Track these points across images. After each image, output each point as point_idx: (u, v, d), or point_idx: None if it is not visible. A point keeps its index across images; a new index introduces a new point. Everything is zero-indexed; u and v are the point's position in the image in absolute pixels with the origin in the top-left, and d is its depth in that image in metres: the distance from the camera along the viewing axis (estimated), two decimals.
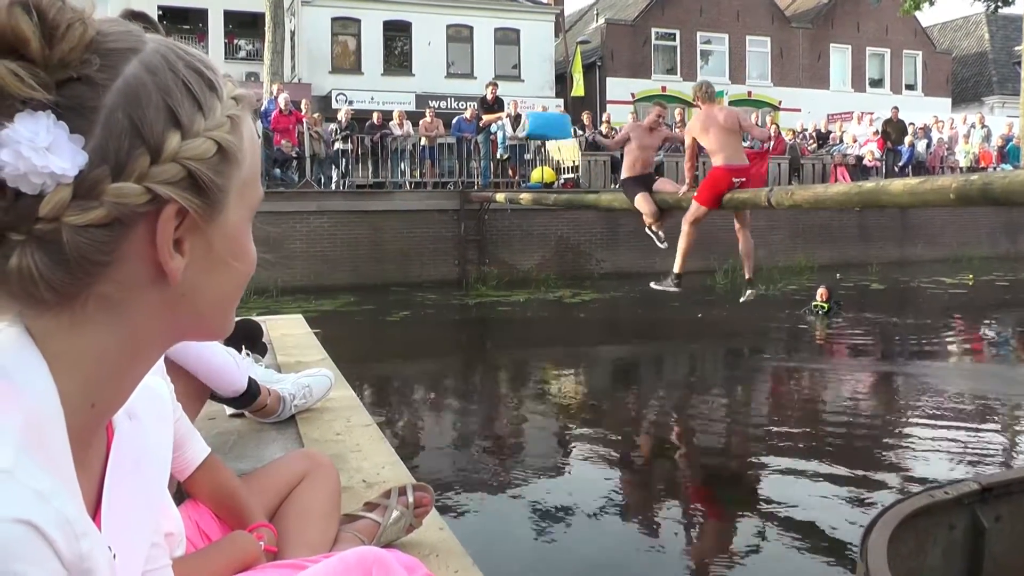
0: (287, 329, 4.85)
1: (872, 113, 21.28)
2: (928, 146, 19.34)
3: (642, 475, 5.53)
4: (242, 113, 0.59)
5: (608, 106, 23.97)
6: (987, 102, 30.95)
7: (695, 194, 6.66)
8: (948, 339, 10.72)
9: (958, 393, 7.46)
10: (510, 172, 16.35)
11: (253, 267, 0.63)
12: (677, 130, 13.24)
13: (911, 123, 19.63)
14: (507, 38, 26.70)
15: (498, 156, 16.20)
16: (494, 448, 6.04)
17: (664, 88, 25.96)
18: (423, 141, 15.77)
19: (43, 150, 0.49)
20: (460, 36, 26.27)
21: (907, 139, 18.98)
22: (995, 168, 18.01)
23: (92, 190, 0.51)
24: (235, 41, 26.90)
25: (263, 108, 14.91)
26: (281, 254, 13.73)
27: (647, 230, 7.70)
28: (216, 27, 26.20)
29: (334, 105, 20.98)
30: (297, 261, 13.95)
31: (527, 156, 16.61)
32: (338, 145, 15.28)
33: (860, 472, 5.16)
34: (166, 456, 0.74)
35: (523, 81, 26.03)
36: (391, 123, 15.81)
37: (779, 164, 17.56)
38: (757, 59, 28.72)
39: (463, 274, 15.00)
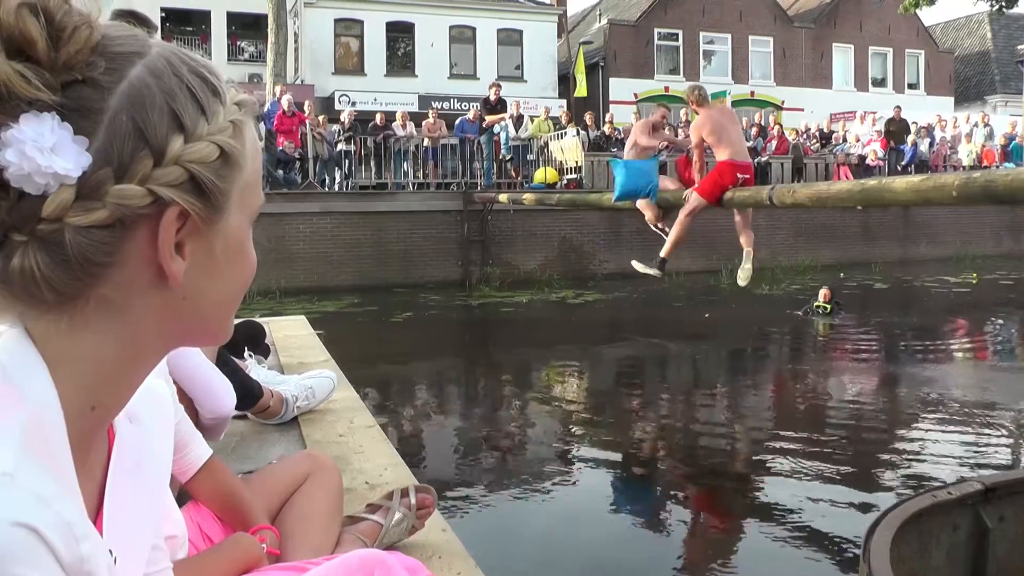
0: (290, 330, 4.85)
1: (875, 112, 21.26)
2: (931, 145, 19.31)
3: (645, 476, 5.53)
4: (245, 118, 0.59)
5: (611, 106, 23.96)
6: (990, 101, 30.89)
7: (698, 186, 6.63)
8: (952, 338, 10.70)
9: (962, 393, 7.44)
10: (513, 173, 16.36)
11: (253, 271, 0.63)
12: (681, 131, 13.23)
13: (914, 122, 19.61)
14: (510, 39, 26.70)
15: (501, 157, 16.20)
16: (497, 449, 6.04)
17: (667, 88, 25.92)
18: (426, 142, 15.78)
19: (47, 150, 0.49)
20: (463, 37, 26.27)
21: (910, 138, 18.96)
22: (998, 167, 17.97)
23: (95, 191, 0.51)
24: (238, 43, 26.94)
25: (266, 110, 14.94)
26: (284, 255, 13.76)
27: (653, 227, 7.69)
28: (219, 29, 26.24)
29: (337, 106, 20.98)
30: (300, 262, 13.97)
31: (530, 156, 16.62)
32: (341, 146, 15.29)
33: (863, 472, 5.16)
34: (167, 458, 0.74)
35: (526, 82, 26.03)
36: (394, 124, 15.82)
37: (782, 164, 17.56)
38: (760, 59, 28.68)
39: (466, 275, 15.00)
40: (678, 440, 6.45)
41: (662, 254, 7.18)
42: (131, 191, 0.51)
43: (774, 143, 18.09)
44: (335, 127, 15.61)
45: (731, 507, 4.80)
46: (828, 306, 10.96)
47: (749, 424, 6.81)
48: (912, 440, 5.97)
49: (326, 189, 14.97)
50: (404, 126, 15.83)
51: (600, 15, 30.50)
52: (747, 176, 6.49)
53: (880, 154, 18.51)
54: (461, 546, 1.77)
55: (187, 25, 26.46)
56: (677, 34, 27.66)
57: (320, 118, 15.45)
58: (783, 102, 28.05)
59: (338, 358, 3.97)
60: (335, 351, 4.17)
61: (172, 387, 1.13)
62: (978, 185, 4.20)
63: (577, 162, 15.98)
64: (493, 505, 4.75)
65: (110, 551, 0.58)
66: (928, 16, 26.70)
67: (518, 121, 16.41)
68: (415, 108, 21.08)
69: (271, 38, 17.11)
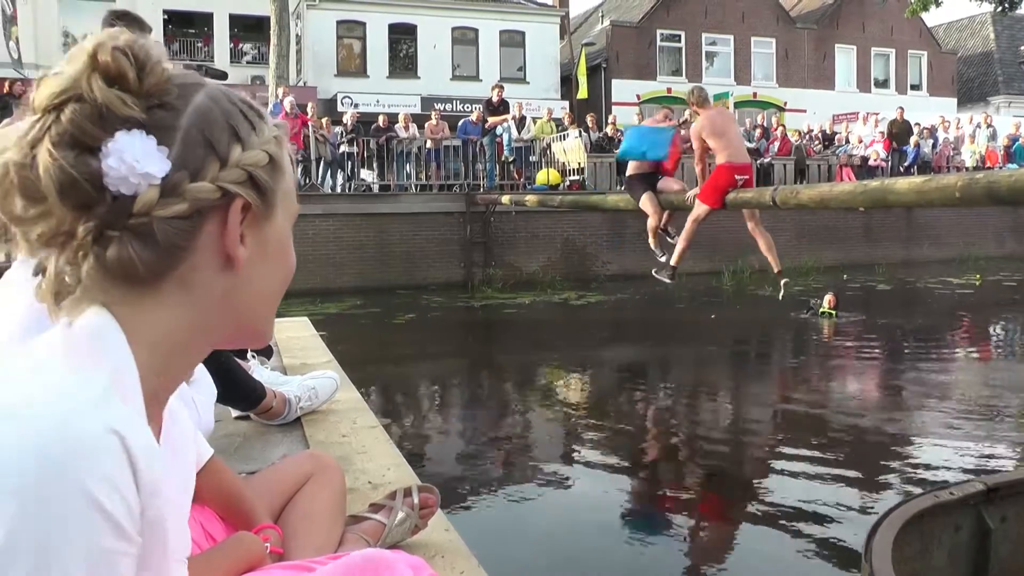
0: (293, 332, 4.86)
1: (877, 114, 21.25)
2: (934, 146, 19.29)
3: (648, 476, 5.53)
4: (283, 135, 0.73)
5: (613, 108, 23.96)
6: (993, 102, 30.85)
7: (699, 193, 6.67)
8: (955, 340, 10.69)
9: (964, 393, 7.44)
10: (515, 174, 16.37)
11: (293, 270, 0.75)
12: (682, 131, 13.22)
13: (916, 123, 19.59)
14: (512, 40, 26.71)
15: (503, 158, 16.21)
16: (500, 450, 6.04)
17: (669, 90, 25.91)
18: (428, 144, 15.79)
19: (139, 158, 0.62)
20: (465, 38, 26.30)
21: (912, 139, 18.94)
22: (1001, 168, 17.95)
23: (175, 189, 0.63)
24: (240, 45, 26.97)
25: (268, 111, 14.92)
26: None
27: (651, 244, 7.76)
28: (221, 31, 26.28)
29: (339, 108, 21.01)
30: (302, 264, 13.66)
31: (532, 158, 16.62)
32: (343, 148, 15.31)
33: (865, 473, 5.15)
34: (193, 445, 0.86)
35: (528, 83, 26.04)
36: (396, 126, 15.83)
37: (784, 165, 17.55)
38: (762, 60, 28.68)
39: (469, 276, 15.01)
40: (681, 441, 6.45)
41: (672, 262, 7.21)
42: (204, 187, 0.65)
43: (776, 144, 18.08)
44: (337, 129, 15.63)
45: (733, 508, 4.80)
46: (833, 312, 10.97)
47: (752, 425, 6.80)
48: (914, 441, 5.97)
49: (328, 191, 14.99)
50: (407, 128, 15.84)
51: (602, 16, 30.52)
52: (746, 177, 6.52)
53: (883, 155, 18.50)
54: (464, 545, 1.77)
55: (189, 27, 26.50)
56: (679, 35, 27.65)
57: (323, 120, 15.47)
58: (785, 103, 28.04)
59: (341, 359, 3.97)
60: (338, 352, 4.17)
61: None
62: (981, 186, 4.20)
63: (580, 163, 15.99)
64: (496, 505, 4.75)
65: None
66: (931, 17, 26.64)
67: (520, 122, 16.41)
68: (417, 110, 21.10)
69: (273, 40, 17.13)
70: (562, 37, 27.12)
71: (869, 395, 7.67)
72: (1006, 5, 19.80)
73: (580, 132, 16.35)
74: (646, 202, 7.33)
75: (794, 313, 11.50)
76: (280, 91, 15.38)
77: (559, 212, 14.69)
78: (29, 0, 21.42)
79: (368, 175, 15.86)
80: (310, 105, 15.57)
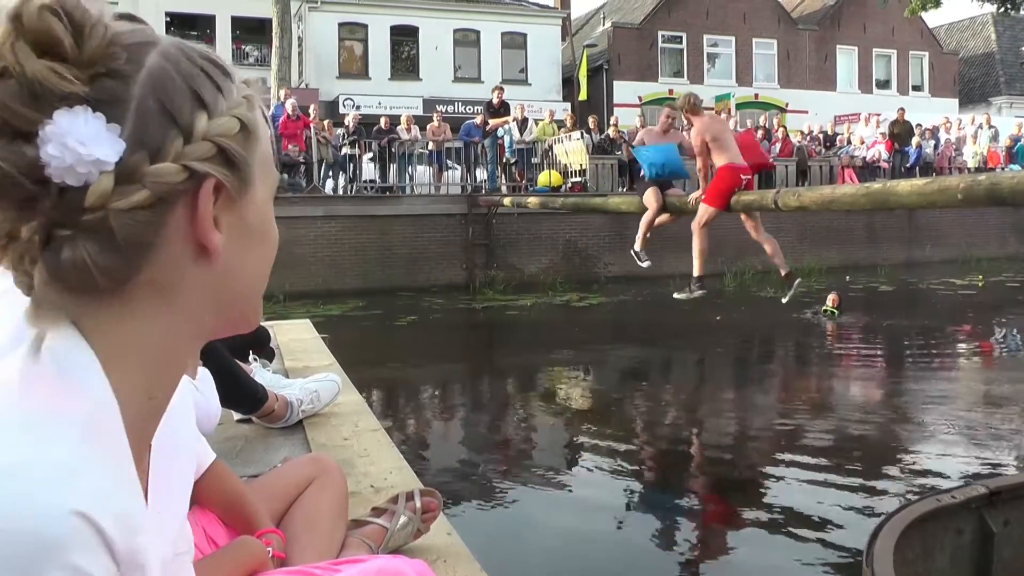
0: (295, 334, 4.86)
1: (879, 114, 21.24)
2: (936, 147, 19.27)
3: (650, 480, 5.53)
4: (254, 93, 0.62)
5: (615, 109, 23.96)
6: (994, 103, 30.83)
7: (704, 197, 6.68)
8: (958, 341, 10.68)
9: (967, 396, 7.43)
10: (517, 176, 16.37)
11: (277, 246, 0.66)
12: (685, 134, 13.21)
13: (918, 124, 19.57)
14: (514, 42, 26.73)
15: (505, 160, 16.22)
16: (502, 453, 6.04)
17: (671, 91, 25.88)
18: (430, 145, 15.79)
19: (85, 141, 0.51)
20: (467, 40, 26.31)
21: (914, 140, 18.93)
22: (1003, 169, 17.94)
23: (133, 174, 0.53)
24: (242, 47, 27.01)
25: (271, 113, 14.96)
26: (288, 259, 13.78)
27: (632, 251, 7.79)
28: (223, 33, 26.31)
29: (341, 110, 21.03)
30: (304, 266, 13.98)
31: (534, 160, 16.62)
32: (345, 150, 15.31)
33: (867, 476, 5.15)
34: (193, 441, 0.77)
35: (530, 85, 26.06)
36: (398, 127, 15.84)
37: (786, 166, 17.52)
38: (764, 61, 28.68)
39: (470, 278, 15.01)
40: (683, 445, 6.45)
41: (695, 274, 7.19)
42: (167, 169, 0.54)
43: (778, 146, 18.07)
44: (339, 131, 15.64)
45: (735, 511, 4.80)
46: (836, 311, 10.98)
47: (754, 428, 6.80)
48: (917, 444, 5.96)
49: (330, 193, 15.00)
50: (408, 130, 15.85)
51: (604, 18, 30.53)
52: (747, 178, 6.56)
53: (885, 156, 18.48)
54: (466, 550, 1.77)
55: (191, 29, 26.52)
56: (681, 37, 27.66)
57: (325, 122, 15.47)
58: (787, 104, 28.03)
59: (343, 362, 3.97)
60: (340, 355, 4.17)
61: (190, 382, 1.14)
62: (983, 188, 4.20)
63: (581, 165, 15.98)
64: (498, 509, 4.75)
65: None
66: (932, 18, 26.68)
67: (522, 124, 16.41)
68: (419, 112, 21.12)
69: (275, 42, 17.15)
70: (564, 39, 27.14)
71: (871, 398, 7.66)
72: (1008, 6, 19.80)
73: (582, 134, 16.35)
74: (649, 195, 7.35)
75: (795, 314, 11.49)
76: (282, 93, 15.39)
77: (561, 214, 14.69)
78: None
79: (369, 168, 15.78)
80: (312, 107, 15.58)
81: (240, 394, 2.59)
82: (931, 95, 30.14)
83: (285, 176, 14.55)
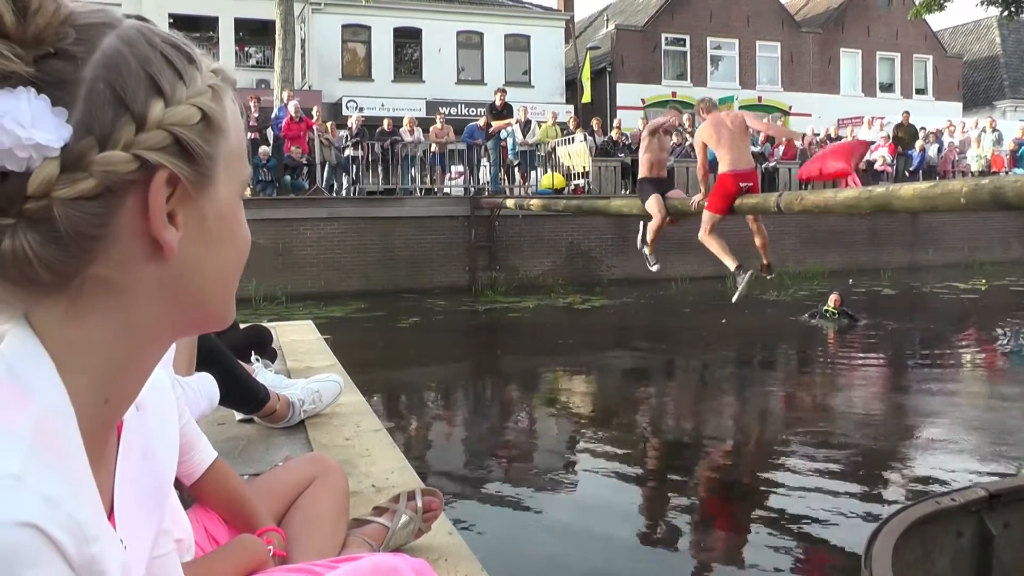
0: (297, 335, 4.87)
1: (883, 118, 21.19)
2: (939, 151, 19.25)
3: (651, 481, 5.53)
4: (223, 85, 0.59)
5: (618, 112, 23.97)
6: (998, 106, 30.78)
7: (706, 203, 6.71)
8: (961, 345, 10.66)
9: (968, 399, 7.42)
10: (520, 178, 16.38)
11: (248, 246, 0.62)
12: (687, 136, 13.23)
13: (922, 128, 19.54)
14: (517, 44, 26.74)
15: (508, 162, 16.23)
16: (503, 453, 6.04)
17: (674, 94, 25.93)
18: (433, 147, 15.81)
19: (25, 123, 0.48)
20: (470, 42, 26.33)
21: (918, 144, 18.90)
22: (1007, 172, 17.91)
23: (80, 161, 0.50)
24: (246, 49, 27.02)
25: (274, 115, 14.99)
26: (291, 261, 13.80)
27: (639, 245, 7.76)
28: (227, 35, 26.32)
29: (344, 112, 21.05)
30: (307, 268, 14.01)
31: (537, 162, 16.64)
32: (348, 152, 15.34)
33: (867, 479, 5.15)
34: (173, 444, 0.73)
35: (533, 87, 26.06)
36: (401, 129, 15.86)
37: (790, 169, 17.51)
38: (767, 64, 28.67)
39: (473, 280, 15.01)
40: (685, 446, 6.45)
41: (731, 268, 7.10)
42: (116, 157, 0.51)
43: (781, 148, 18.06)
44: (343, 133, 15.66)
45: (736, 513, 4.80)
46: (837, 312, 10.98)
47: (755, 431, 6.80)
48: (917, 446, 5.96)
49: (333, 194, 15.02)
50: (411, 132, 15.87)
51: (607, 20, 30.53)
52: (750, 184, 6.54)
53: (888, 159, 18.46)
54: (467, 549, 1.78)
55: (195, 31, 26.52)
56: (684, 39, 27.66)
57: (328, 124, 15.50)
58: (791, 107, 28.01)
59: (345, 363, 3.98)
60: (342, 356, 4.18)
61: (173, 376, 1.14)
62: (986, 191, 4.20)
63: (584, 167, 15.99)
64: (499, 508, 4.75)
65: (121, 541, 0.58)
66: (936, 21, 26.70)
67: (526, 126, 16.43)
68: (422, 114, 21.14)
69: (279, 44, 17.18)
70: (567, 41, 27.14)
71: (872, 400, 7.65)
72: (1013, 9, 19.77)
73: (585, 136, 16.36)
74: (652, 204, 7.35)
75: (798, 316, 11.48)
76: (285, 95, 15.41)
77: (564, 216, 14.70)
78: None
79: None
80: (315, 109, 15.62)
81: (242, 394, 2.60)
82: (935, 98, 30.10)
83: (288, 178, 14.58)
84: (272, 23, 18.52)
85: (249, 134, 12.23)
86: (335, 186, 15.27)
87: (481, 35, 26.33)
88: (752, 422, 7.08)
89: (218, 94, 0.57)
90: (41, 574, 0.47)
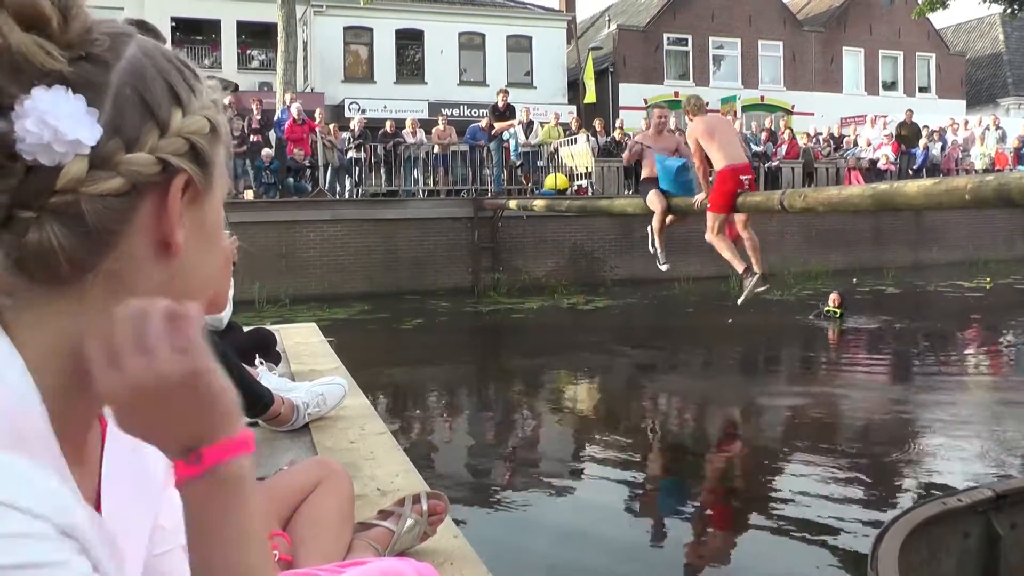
0: (301, 337, 4.87)
1: (886, 116, 21.18)
2: (943, 149, 19.21)
3: (655, 482, 5.52)
4: (220, 97, 0.63)
5: (621, 112, 23.97)
6: (1002, 104, 30.72)
7: (708, 205, 6.67)
8: (966, 344, 10.64)
9: (974, 399, 7.41)
10: (523, 179, 16.38)
11: (228, 252, 0.64)
12: (680, 136, 13.20)
13: (925, 126, 19.52)
14: (519, 45, 26.75)
15: (511, 163, 16.23)
16: (508, 456, 6.04)
17: (677, 94, 25.85)
18: (436, 149, 15.82)
19: (65, 120, 0.51)
20: (472, 44, 26.35)
21: (921, 142, 18.88)
22: (1011, 170, 17.87)
23: (108, 161, 0.53)
24: (248, 51, 27.05)
25: (276, 118, 15.01)
26: (294, 263, 13.81)
27: (650, 247, 7.74)
28: (229, 38, 26.36)
29: (347, 114, 21.07)
30: (310, 270, 14.02)
31: (540, 163, 16.64)
32: (351, 154, 15.35)
33: (873, 479, 5.13)
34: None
35: (536, 88, 26.07)
36: (404, 131, 15.87)
37: (792, 168, 17.51)
38: (769, 63, 28.64)
39: (476, 281, 15.01)
40: (689, 448, 6.44)
41: (739, 270, 7.05)
42: (143, 159, 0.54)
43: (784, 148, 18.06)
44: (345, 135, 15.67)
45: (740, 515, 4.79)
46: (839, 311, 10.96)
47: (759, 432, 6.79)
48: (923, 447, 5.94)
49: (336, 196, 15.03)
50: (414, 133, 15.88)
51: (609, 21, 30.53)
52: (748, 177, 6.52)
53: (891, 158, 18.44)
54: (473, 552, 1.78)
55: (197, 34, 26.58)
56: (686, 39, 27.65)
57: (330, 126, 15.51)
58: (793, 106, 27.99)
59: (349, 365, 3.98)
60: (346, 358, 4.18)
61: None
62: (991, 188, 4.18)
63: (587, 168, 15.99)
64: (505, 511, 4.75)
65: (103, 520, 0.58)
66: (939, 19, 26.64)
67: (528, 127, 16.44)
68: (425, 115, 21.15)
69: (281, 46, 17.19)
70: (569, 42, 27.15)
71: (877, 400, 7.63)
72: (1016, 7, 19.74)
73: (588, 136, 16.36)
74: (652, 197, 7.35)
75: (799, 316, 11.47)
76: (288, 97, 15.44)
77: (567, 217, 14.69)
78: None
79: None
80: (318, 111, 15.63)
81: (246, 398, 2.60)
82: (938, 96, 30.05)
83: (291, 180, 14.59)
84: (274, 26, 18.54)
85: (252, 136, 12.13)
86: (338, 188, 15.28)
87: (483, 36, 26.34)
88: (756, 423, 7.07)
89: (218, 107, 0.62)
90: (16, 532, 0.46)
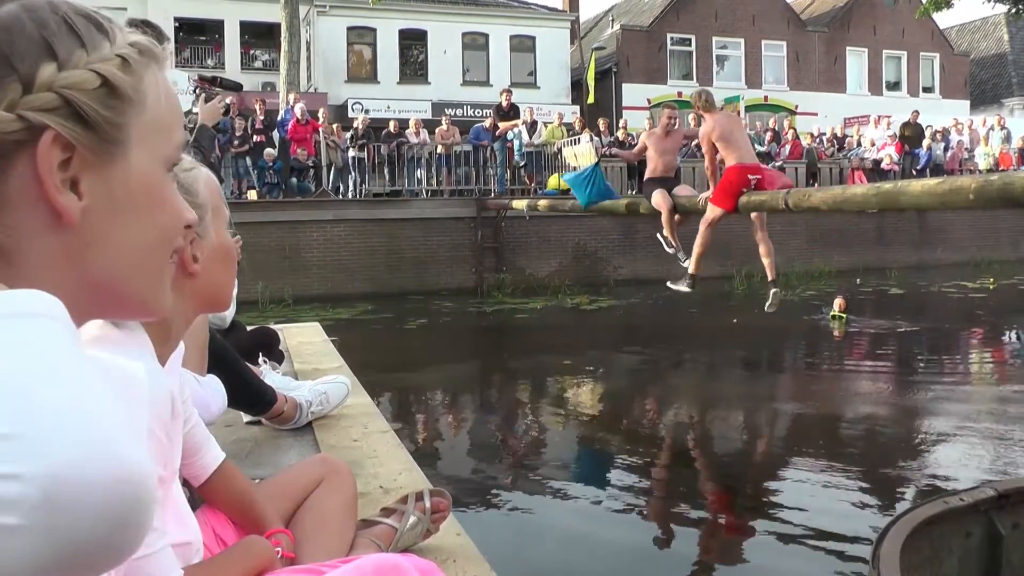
0: (304, 337, 4.88)
1: (889, 116, 21.13)
2: (946, 149, 19.17)
3: (658, 481, 5.52)
4: (141, 59, 0.58)
5: (624, 112, 23.95)
6: (1006, 104, 30.65)
7: (711, 197, 6.66)
8: (969, 344, 10.63)
9: (976, 398, 7.39)
10: (527, 179, 16.38)
11: (175, 224, 0.61)
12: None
13: (929, 126, 19.48)
14: (523, 45, 26.75)
15: (514, 163, 16.23)
16: (511, 454, 6.05)
17: (680, 94, 25.82)
18: (439, 149, 15.82)
19: None
20: (476, 44, 26.34)
21: (925, 142, 18.84)
22: (1016, 170, 17.82)
23: None
24: (251, 51, 27.08)
25: (280, 118, 15.03)
26: (298, 263, 13.83)
27: (659, 235, 7.72)
28: (232, 38, 26.39)
29: (350, 114, 21.06)
30: (314, 270, 14.03)
31: (543, 163, 16.63)
32: (354, 154, 15.36)
33: (875, 479, 5.13)
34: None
35: (539, 88, 26.06)
36: (407, 131, 15.87)
37: (796, 169, 17.48)
38: (773, 63, 28.61)
39: (480, 281, 15.02)
40: (693, 448, 6.44)
41: (690, 271, 7.17)
42: None
43: (788, 148, 18.04)
44: (348, 135, 15.68)
45: (743, 514, 4.79)
46: (844, 315, 10.96)
47: (762, 431, 6.79)
48: (925, 446, 5.94)
49: (339, 196, 15.04)
50: (417, 133, 15.88)
51: (612, 21, 30.51)
52: (758, 177, 6.48)
53: (895, 158, 18.41)
54: (476, 550, 1.78)
55: (200, 35, 26.62)
56: (690, 39, 27.62)
57: (334, 126, 15.52)
58: (797, 107, 27.95)
59: (352, 365, 3.99)
60: (349, 358, 4.19)
61: (176, 377, 1.14)
62: (995, 188, 4.17)
63: None
64: (508, 509, 4.75)
65: None
66: (943, 19, 26.59)
67: (532, 127, 16.43)
68: (428, 115, 21.14)
69: (284, 47, 17.21)
70: (572, 42, 27.14)
71: (880, 401, 7.62)
72: (1020, 6, 19.69)
73: (591, 137, 16.33)
74: (657, 197, 7.35)
75: (806, 317, 11.46)
76: (291, 97, 15.45)
77: (570, 217, 14.68)
78: None
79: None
80: (321, 111, 15.64)
81: (250, 396, 2.61)
82: (942, 97, 29.99)
83: (294, 180, 14.60)
84: (277, 26, 18.56)
85: (255, 137, 12.12)
86: (341, 188, 15.29)
87: (486, 36, 26.34)
88: (759, 423, 7.07)
89: (130, 65, 0.56)
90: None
